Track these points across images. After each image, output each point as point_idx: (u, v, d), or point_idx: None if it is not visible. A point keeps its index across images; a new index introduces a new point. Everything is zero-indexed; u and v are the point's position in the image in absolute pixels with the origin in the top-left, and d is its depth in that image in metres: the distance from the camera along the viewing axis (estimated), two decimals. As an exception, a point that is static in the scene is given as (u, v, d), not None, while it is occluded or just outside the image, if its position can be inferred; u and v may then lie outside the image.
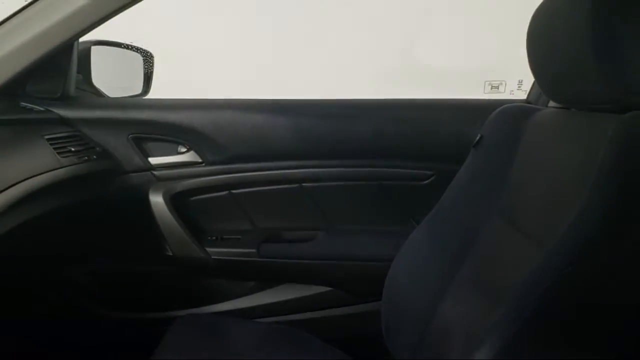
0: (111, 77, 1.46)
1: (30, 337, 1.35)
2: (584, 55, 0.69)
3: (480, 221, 0.93)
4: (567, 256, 0.66)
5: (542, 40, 0.82)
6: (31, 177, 1.02)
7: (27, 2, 1.16)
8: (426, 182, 1.38)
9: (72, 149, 1.19)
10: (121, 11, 1.16)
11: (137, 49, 1.51)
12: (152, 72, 1.53)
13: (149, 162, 1.36)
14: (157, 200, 1.33)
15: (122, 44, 1.46)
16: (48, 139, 1.15)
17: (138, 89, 1.50)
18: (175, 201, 1.35)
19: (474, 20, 2.47)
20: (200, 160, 1.37)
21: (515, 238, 0.82)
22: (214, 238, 1.39)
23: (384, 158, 1.38)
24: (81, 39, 1.27)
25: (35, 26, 1.16)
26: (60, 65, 1.27)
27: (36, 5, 1.16)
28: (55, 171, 1.09)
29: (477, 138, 1.03)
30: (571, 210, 0.67)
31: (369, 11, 2.44)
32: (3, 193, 0.94)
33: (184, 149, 1.37)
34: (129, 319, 1.38)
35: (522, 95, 1.25)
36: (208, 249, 1.35)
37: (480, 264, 0.89)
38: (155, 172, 1.36)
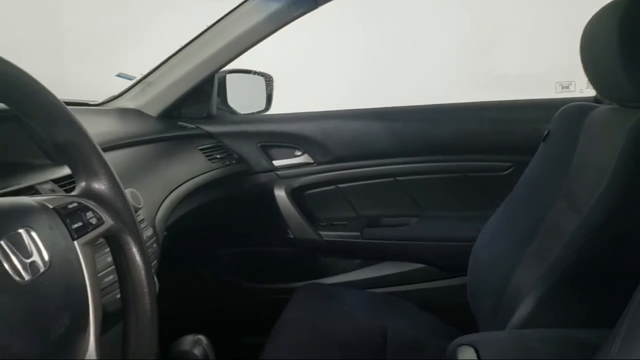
0: (241, 98, 1.81)
1: (187, 305, 1.71)
2: (618, 60, 0.86)
3: (547, 203, 1.09)
4: (597, 219, 0.86)
5: (589, 47, 0.98)
6: (191, 179, 1.37)
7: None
8: (506, 172, 1.57)
9: (218, 156, 1.56)
10: (252, 47, 1.51)
11: (260, 74, 1.85)
12: (272, 92, 1.86)
13: (273, 164, 1.69)
14: (280, 194, 1.66)
15: (250, 70, 1.81)
16: (201, 149, 1.52)
17: (262, 106, 1.84)
18: (294, 195, 1.67)
19: (544, 24, 2.56)
20: (312, 161, 1.68)
21: (571, 215, 0.99)
22: (325, 224, 1.70)
23: (467, 153, 1.59)
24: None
25: (189, 63, 1.54)
26: (205, 92, 1.64)
27: (189, 47, 1.54)
28: (207, 173, 1.45)
29: (545, 133, 1.20)
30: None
31: (446, 23, 2.62)
32: (175, 191, 1.29)
33: (299, 153, 1.69)
34: (261, 289, 1.72)
35: (591, 93, 1.39)
36: (321, 232, 1.66)
37: (545, 238, 1.07)
38: (278, 172, 1.69)
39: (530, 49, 2.53)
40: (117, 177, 0.65)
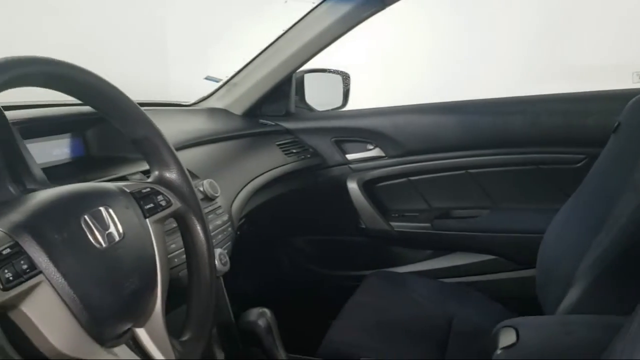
0: (319, 95, 1.92)
1: (259, 284, 1.86)
2: None
3: (616, 196, 1.09)
4: None
5: None
6: (268, 171, 1.50)
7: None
8: (579, 165, 1.55)
9: (294, 151, 1.68)
10: (325, 48, 1.61)
11: (337, 72, 1.94)
12: (349, 89, 1.95)
13: (346, 158, 1.79)
14: (352, 186, 1.75)
15: (326, 69, 1.92)
16: (278, 145, 1.66)
17: (339, 103, 1.94)
18: (366, 187, 1.76)
19: (619, 12, 2.40)
20: (384, 155, 1.76)
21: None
22: (396, 215, 1.77)
23: (539, 145, 1.59)
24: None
25: (269, 65, 1.67)
26: (284, 91, 1.77)
27: (268, 50, 1.67)
28: (283, 166, 1.58)
29: (616, 125, 1.19)
30: None
31: (518, 14, 2.53)
32: (251, 182, 1.42)
33: (371, 147, 1.77)
34: (332, 275, 1.83)
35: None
36: (392, 223, 1.73)
37: (613, 230, 1.08)
38: (351, 166, 1.78)
39: (605, 37, 2.40)
40: (185, 167, 0.78)
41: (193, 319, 0.76)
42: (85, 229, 0.60)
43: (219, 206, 1.15)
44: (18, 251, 0.52)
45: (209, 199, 1.12)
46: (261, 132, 1.69)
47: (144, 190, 0.72)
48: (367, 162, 1.78)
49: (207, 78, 1.82)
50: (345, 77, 1.95)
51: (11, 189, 0.69)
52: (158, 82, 2.04)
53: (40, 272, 0.53)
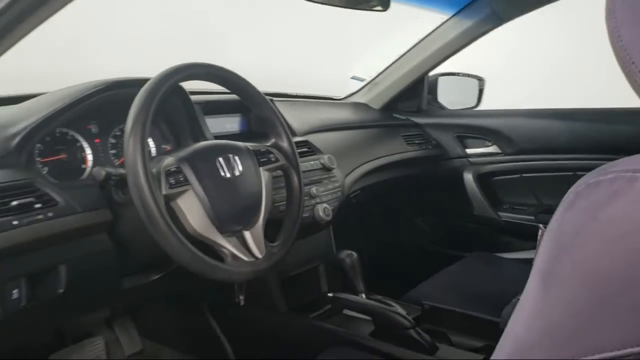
0: (452, 96, 2.18)
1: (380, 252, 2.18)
2: None
3: None
4: None
5: None
6: (386, 156, 1.83)
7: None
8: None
9: (416, 142, 1.99)
10: (450, 57, 1.90)
11: (472, 76, 2.18)
12: (482, 91, 2.18)
13: (465, 152, 2.04)
14: (468, 177, 2.00)
15: (460, 73, 2.17)
16: (403, 135, 1.98)
17: (472, 103, 2.18)
18: (481, 179, 1.99)
19: None
20: (500, 152, 1.97)
21: None
22: (507, 207, 1.97)
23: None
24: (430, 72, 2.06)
25: (404, 67, 2.00)
26: (417, 90, 2.08)
27: (405, 56, 2.00)
28: (403, 153, 1.90)
29: None
30: None
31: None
32: (371, 161, 1.75)
33: (489, 144, 1.99)
34: (439, 252, 2.10)
35: None
36: (500, 213, 1.94)
37: None
38: (469, 159, 2.03)
39: None
40: (291, 138, 1.18)
41: (284, 233, 1.15)
42: (218, 166, 1.03)
43: (334, 175, 1.53)
44: (179, 170, 0.98)
45: (326, 169, 1.50)
46: (392, 124, 2.03)
47: (262, 150, 1.14)
48: (484, 157, 2.00)
49: (353, 78, 2.21)
50: (481, 81, 2.18)
51: (189, 143, 1.17)
52: (338, 80, 2.49)
53: (189, 183, 0.98)
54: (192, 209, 0.98)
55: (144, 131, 0.92)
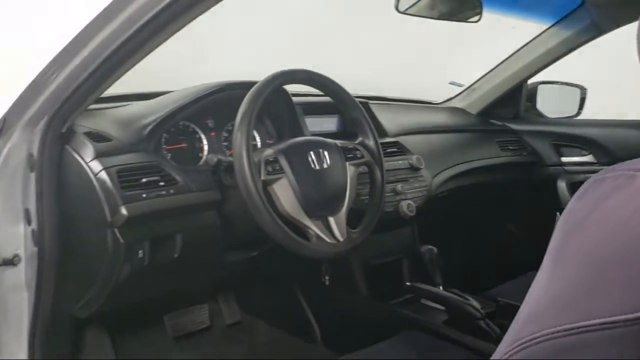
0: (551, 104, 2.17)
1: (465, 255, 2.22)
2: None
3: None
4: None
5: None
6: (476, 160, 1.88)
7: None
8: None
9: (510, 148, 2.02)
10: (548, 65, 1.92)
11: (573, 84, 2.16)
12: (584, 100, 2.15)
13: (561, 160, 2.03)
14: (562, 185, 1.98)
15: (559, 82, 2.15)
16: (497, 141, 2.02)
17: (573, 112, 2.15)
18: (575, 188, 1.94)
19: None
20: (595, 161, 1.94)
21: None
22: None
23: None
24: (530, 81, 2.08)
25: (502, 75, 2.05)
26: (514, 97, 2.10)
27: (502, 64, 2.04)
28: (495, 159, 1.94)
29: None
30: None
31: None
32: (461, 164, 1.82)
33: (585, 153, 1.98)
34: (532, 259, 2.08)
35: None
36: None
37: None
38: (565, 167, 2.02)
39: None
40: (377, 138, 1.31)
41: (364, 221, 1.28)
42: (309, 159, 1.19)
43: (421, 175, 1.63)
44: (276, 160, 1.15)
45: (414, 168, 1.61)
46: (487, 130, 2.08)
47: (349, 147, 1.29)
48: (579, 166, 1.99)
49: (451, 83, 2.28)
50: (583, 90, 2.16)
51: (289, 138, 1.34)
52: (436, 86, 2.59)
53: (284, 172, 1.15)
54: (285, 193, 1.15)
55: (249, 127, 1.10)
